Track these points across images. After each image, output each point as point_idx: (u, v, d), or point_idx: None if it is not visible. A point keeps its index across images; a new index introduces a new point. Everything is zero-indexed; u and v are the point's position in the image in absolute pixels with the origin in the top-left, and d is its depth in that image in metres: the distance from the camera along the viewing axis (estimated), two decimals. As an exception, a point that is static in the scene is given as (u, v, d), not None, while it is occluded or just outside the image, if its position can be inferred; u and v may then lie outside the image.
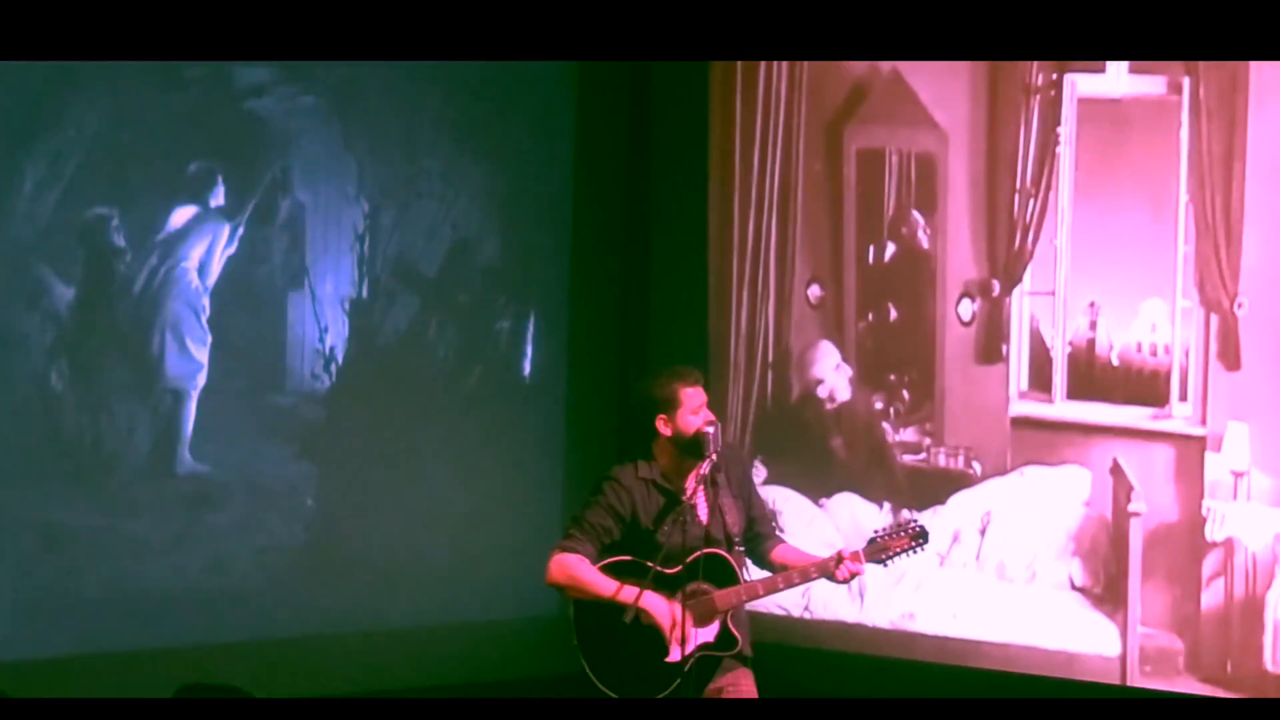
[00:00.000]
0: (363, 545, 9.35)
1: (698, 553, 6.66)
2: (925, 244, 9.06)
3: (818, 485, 9.26)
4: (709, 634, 6.72)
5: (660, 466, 6.81)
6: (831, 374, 9.22)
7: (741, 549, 6.78)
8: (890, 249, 9.18)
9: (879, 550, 6.77)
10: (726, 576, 6.72)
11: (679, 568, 6.67)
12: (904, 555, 6.79)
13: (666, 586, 6.70)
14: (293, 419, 9.28)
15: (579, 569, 6.74)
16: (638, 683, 6.72)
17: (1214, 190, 8.25)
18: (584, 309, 9.88)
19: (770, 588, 6.76)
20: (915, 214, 9.10)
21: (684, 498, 6.75)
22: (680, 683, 6.67)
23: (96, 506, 8.75)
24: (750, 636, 6.89)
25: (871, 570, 6.86)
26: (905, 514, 8.85)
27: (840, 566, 6.69)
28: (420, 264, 9.55)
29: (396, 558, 9.41)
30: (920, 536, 6.80)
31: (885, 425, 9.07)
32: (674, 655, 6.67)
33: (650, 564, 6.70)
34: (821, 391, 9.22)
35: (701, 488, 6.75)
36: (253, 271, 9.16)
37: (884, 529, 6.85)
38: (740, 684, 6.85)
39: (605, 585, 6.71)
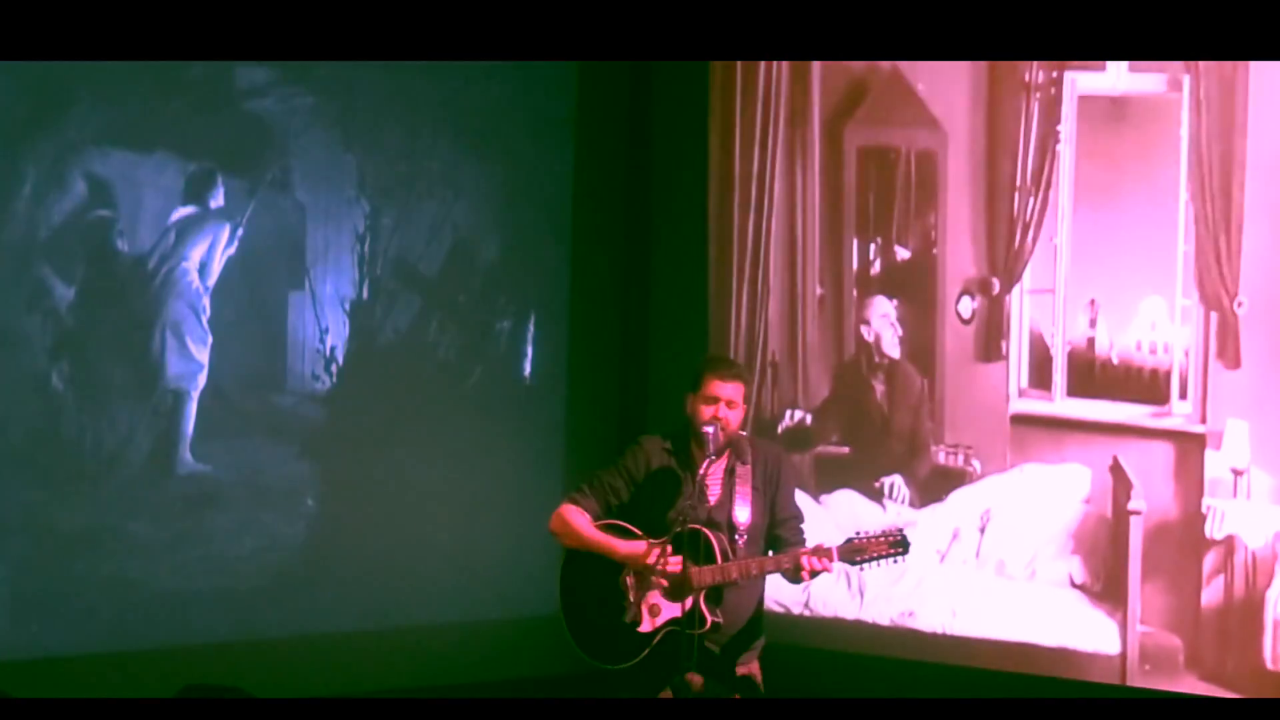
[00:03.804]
0: (363, 545, 9.35)
1: (683, 527, 6.73)
2: (925, 242, 9.06)
3: (818, 481, 9.27)
4: (679, 609, 6.76)
5: (689, 442, 6.95)
6: (878, 320, 9.18)
7: (744, 539, 6.83)
8: (890, 247, 9.18)
9: (855, 551, 6.74)
10: (707, 556, 6.76)
11: (664, 538, 6.78)
12: (881, 561, 6.77)
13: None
14: (293, 419, 9.27)
15: (576, 520, 6.93)
16: (608, 649, 6.86)
17: (1214, 188, 8.25)
18: (584, 309, 9.88)
19: (743, 571, 6.78)
20: (915, 212, 9.10)
21: (697, 477, 6.82)
22: (648, 654, 6.76)
23: (96, 506, 8.74)
24: (760, 626, 6.99)
25: (870, 568, 6.86)
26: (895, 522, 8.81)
27: (809, 558, 6.70)
28: (420, 264, 9.55)
29: (396, 558, 9.41)
30: (900, 545, 6.76)
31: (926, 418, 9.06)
32: (645, 626, 6.75)
33: (637, 531, 6.84)
34: (867, 334, 9.19)
35: (721, 473, 6.88)
36: (253, 272, 9.16)
37: (865, 531, 6.80)
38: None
39: (597, 538, 6.89)
